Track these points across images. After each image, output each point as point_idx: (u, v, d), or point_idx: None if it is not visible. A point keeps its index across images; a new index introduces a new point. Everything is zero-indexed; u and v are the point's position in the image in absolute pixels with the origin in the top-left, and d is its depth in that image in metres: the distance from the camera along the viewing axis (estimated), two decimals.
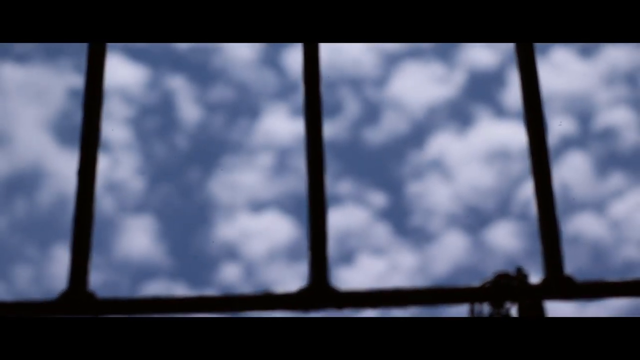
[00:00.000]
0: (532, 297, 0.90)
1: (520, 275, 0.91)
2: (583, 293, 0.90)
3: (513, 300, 0.90)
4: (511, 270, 0.93)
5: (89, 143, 0.98)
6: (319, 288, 0.92)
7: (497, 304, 0.92)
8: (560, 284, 0.90)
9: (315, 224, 0.94)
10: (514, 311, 0.91)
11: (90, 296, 0.92)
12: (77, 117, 1.01)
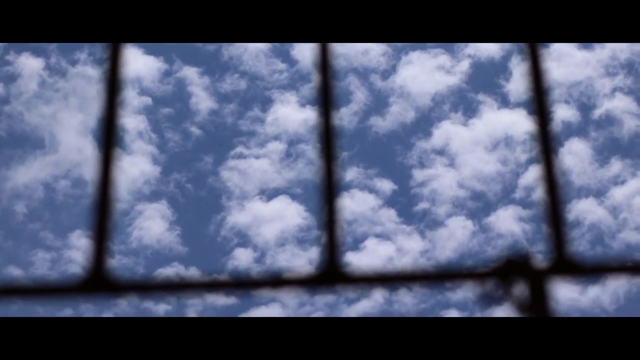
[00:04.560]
0: (537, 279, 0.92)
1: (526, 258, 0.94)
2: (587, 273, 0.93)
3: (519, 281, 0.93)
4: (516, 253, 0.95)
5: (108, 133, 1.01)
6: (330, 271, 0.94)
7: (503, 286, 0.94)
8: (565, 265, 0.93)
9: (328, 206, 0.97)
10: (519, 292, 0.94)
11: (109, 280, 0.95)
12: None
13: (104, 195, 0.96)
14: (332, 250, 0.95)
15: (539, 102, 1.01)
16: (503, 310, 0.94)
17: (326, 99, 1.03)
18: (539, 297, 0.92)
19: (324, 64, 1.03)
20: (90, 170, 0.97)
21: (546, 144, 0.97)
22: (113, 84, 1.04)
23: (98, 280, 0.92)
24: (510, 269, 0.93)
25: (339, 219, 0.96)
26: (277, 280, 0.94)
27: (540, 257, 0.95)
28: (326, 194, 0.96)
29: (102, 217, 0.95)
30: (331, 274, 0.94)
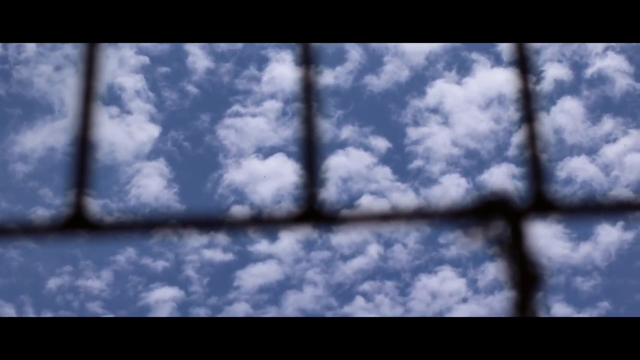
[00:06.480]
0: (516, 218, 0.93)
1: (504, 198, 0.94)
2: (565, 212, 0.94)
3: (498, 220, 0.93)
4: (495, 193, 0.96)
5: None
6: (311, 210, 0.95)
7: (483, 225, 0.95)
8: (544, 204, 0.93)
9: (308, 142, 0.97)
10: (499, 231, 0.94)
11: (90, 219, 0.95)
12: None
13: (84, 132, 0.96)
14: (313, 189, 0.95)
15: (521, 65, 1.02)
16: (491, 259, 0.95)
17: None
18: (518, 237, 0.92)
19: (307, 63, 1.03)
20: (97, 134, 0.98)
21: (524, 82, 0.98)
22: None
23: (79, 220, 0.93)
24: (489, 208, 0.93)
25: (320, 155, 0.97)
26: (260, 219, 0.94)
27: (519, 198, 0.95)
28: (307, 131, 0.96)
29: (82, 156, 0.95)
30: (313, 212, 0.94)
